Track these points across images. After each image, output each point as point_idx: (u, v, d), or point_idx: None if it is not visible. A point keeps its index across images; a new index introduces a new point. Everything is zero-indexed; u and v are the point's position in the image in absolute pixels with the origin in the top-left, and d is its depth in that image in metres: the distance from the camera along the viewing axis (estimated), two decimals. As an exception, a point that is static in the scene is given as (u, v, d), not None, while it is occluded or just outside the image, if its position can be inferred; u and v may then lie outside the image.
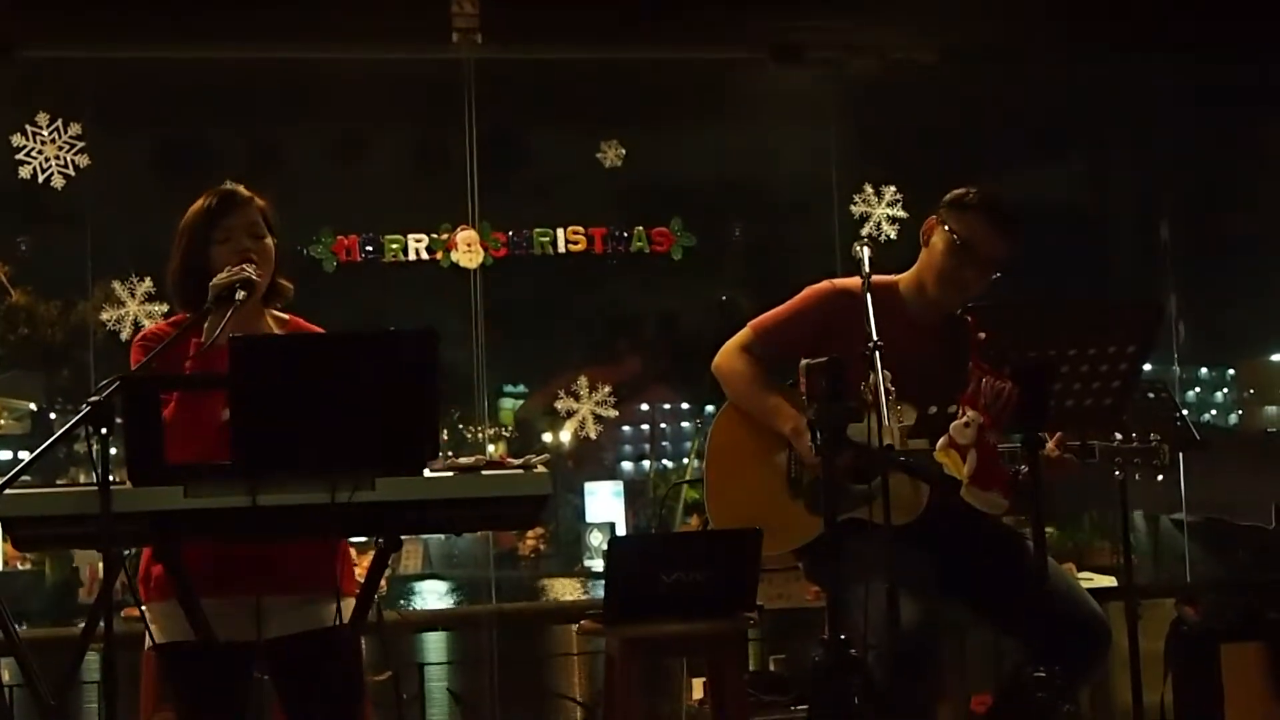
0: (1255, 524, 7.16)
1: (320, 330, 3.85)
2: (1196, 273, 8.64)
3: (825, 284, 4.50)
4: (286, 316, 3.84)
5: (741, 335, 4.55)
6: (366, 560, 3.81)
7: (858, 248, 4.20)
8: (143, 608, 3.58)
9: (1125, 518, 4.78)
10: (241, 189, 3.77)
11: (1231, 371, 12.81)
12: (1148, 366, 3.99)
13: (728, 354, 4.54)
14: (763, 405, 4.43)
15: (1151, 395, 4.70)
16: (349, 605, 3.55)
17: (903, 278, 4.44)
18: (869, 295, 3.96)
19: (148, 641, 3.59)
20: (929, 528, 4.13)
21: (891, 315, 3.86)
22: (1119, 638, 4.57)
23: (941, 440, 3.71)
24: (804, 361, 3.67)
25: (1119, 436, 4.15)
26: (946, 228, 4.34)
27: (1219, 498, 7.39)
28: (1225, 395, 13.21)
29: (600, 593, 4.66)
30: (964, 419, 3.62)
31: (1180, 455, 6.60)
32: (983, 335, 3.63)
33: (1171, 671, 5.85)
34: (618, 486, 14.52)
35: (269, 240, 3.73)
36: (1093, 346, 3.71)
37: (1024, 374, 3.58)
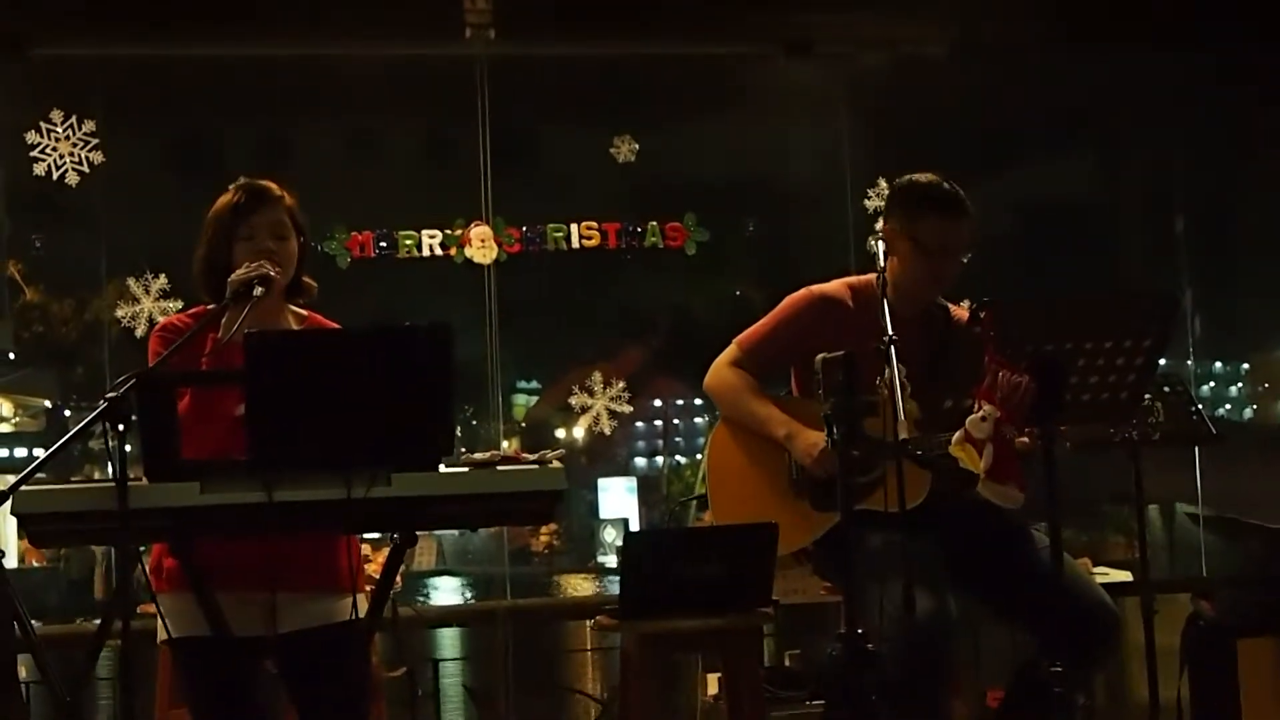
0: (1265, 524, 7.15)
1: (336, 326, 3.84)
2: (1211, 267, 8.62)
3: (805, 291, 4.50)
4: (305, 313, 3.84)
5: (728, 353, 4.56)
6: (381, 556, 3.81)
7: (872, 243, 4.21)
8: (155, 600, 3.57)
9: (1140, 508, 4.77)
10: (272, 186, 3.75)
11: (1246, 366, 12.78)
12: (1162, 360, 3.97)
13: (716, 372, 4.56)
14: (755, 415, 4.45)
15: (1167, 389, 4.69)
16: (360, 602, 3.55)
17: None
18: (882, 290, 3.97)
19: (160, 635, 3.60)
20: (940, 521, 4.13)
21: (877, 312, 3.87)
22: (1135, 633, 4.56)
23: (957, 435, 3.71)
24: (820, 356, 3.67)
25: None
26: (904, 235, 4.34)
27: (1234, 493, 7.38)
28: (1239, 390, 13.18)
29: (614, 588, 4.66)
30: (980, 413, 3.61)
31: (1196, 450, 6.61)
32: (993, 332, 3.62)
33: (1187, 667, 5.83)
34: (631, 482, 14.51)
35: (293, 241, 3.72)
36: (1108, 340, 3.70)
37: (1039, 368, 3.57)
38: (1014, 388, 3.56)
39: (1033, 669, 4.03)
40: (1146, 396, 4.20)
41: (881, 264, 4.12)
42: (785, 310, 4.51)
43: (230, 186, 3.77)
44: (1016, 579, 4.20)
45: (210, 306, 3.65)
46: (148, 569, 3.62)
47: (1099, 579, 4.82)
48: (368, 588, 3.81)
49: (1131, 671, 5.35)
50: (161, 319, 3.80)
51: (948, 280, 4.36)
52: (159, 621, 3.57)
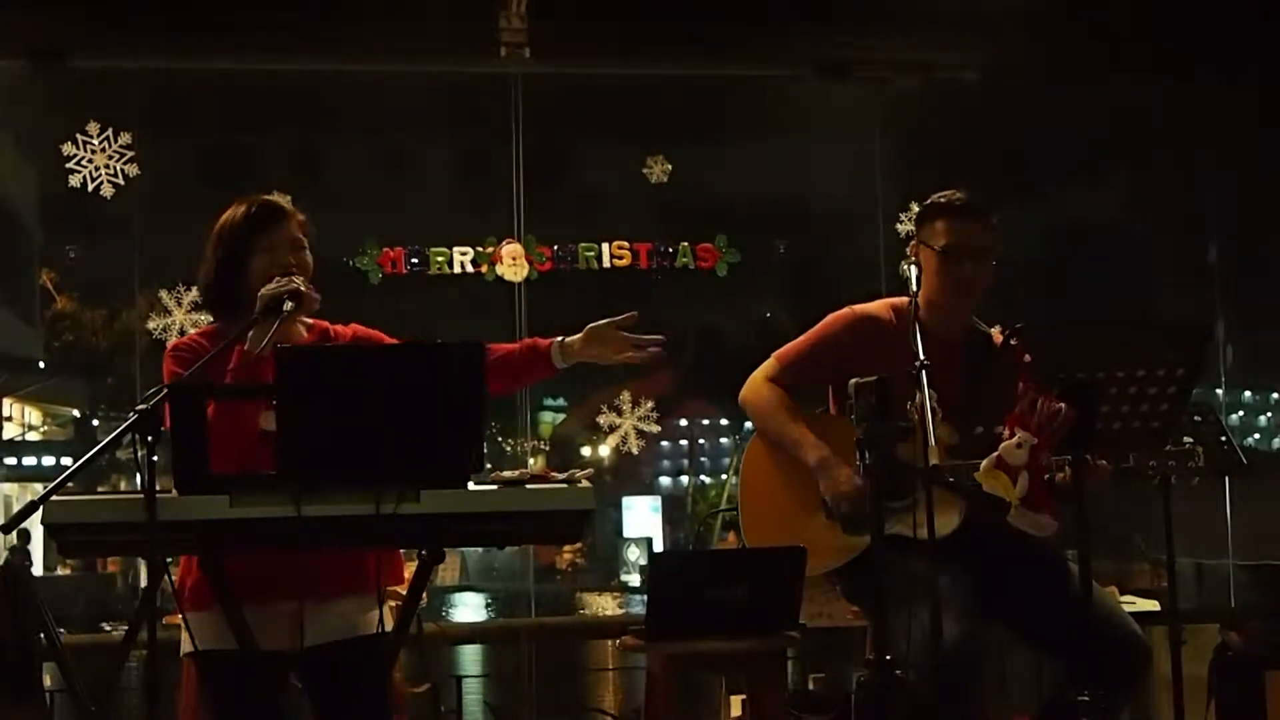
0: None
1: (340, 328, 3.85)
2: (1244, 296, 8.59)
3: (847, 310, 4.50)
4: (311, 322, 3.84)
5: (766, 366, 4.55)
6: (408, 571, 3.81)
7: (905, 266, 4.21)
8: (184, 616, 3.58)
9: (1169, 535, 4.75)
10: (284, 202, 3.79)
11: (1276, 395, 12.74)
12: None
13: (753, 386, 4.54)
14: (788, 436, 4.43)
15: (1198, 418, 4.67)
16: (386, 616, 3.54)
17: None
18: (914, 314, 3.96)
19: (183, 648, 3.60)
20: (970, 547, 4.11)
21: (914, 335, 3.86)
22: (1162, 662, 4.53)
23: (987, 461, 3.69)
24: (853, 381, 3.66)
25: None
26: (927, 243, 4.36)
27: (1265, 526, 7.35)
28: (1269, 419, 13.14)
29: (636, 607, 4.64)
30: (1015, 440, 3.59)
31: (1226, 480, 6.57)
32: (1029, 356, 3.61)
33: (1215, 698, 5.80)
34: (655, 501, 14.54)
35: (308, 254, 3.74)
36: (1141, 369, 3.68)
37: (1073, 395, 3.55)
38: (1052, 415, 3.55)
39: (1061, 700, 4.01)
40: (1188, 441, 4.19)
41: (914, 288, 4.12)
42: (825, 328, 4.50)
43: (237, 202, 3.79)
44: (1047, 607, 4.17)
45: (214, 324, 3.68)
46: (174, 588, 3.63)
47: (1126, 608, 4.78)
48: (392, 603, 3.81)
49: (1159, 701, 5.31)
50: (172, 340, 3.80)
51: (976, 289, 4.35)
52: (183, 634, 3.57)
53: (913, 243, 4.50)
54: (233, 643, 3.43)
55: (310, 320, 3.84)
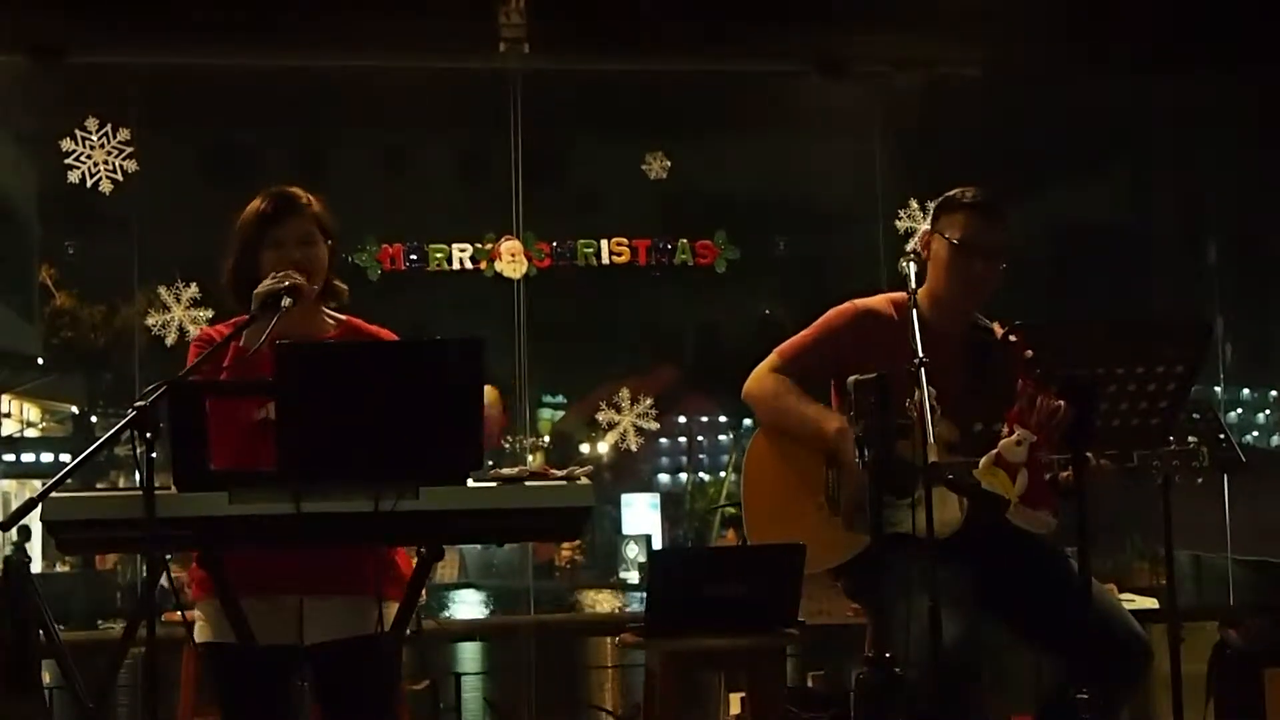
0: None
1: (375, 328, 3.84)
2: (1243, 294, 8.59)
3: (849, 305, 4.49)
4: (343, 317, 3.83)
5: (768, 361, 4.54)
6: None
7: (904, 263, 4.20)
8: (183, 611, 3.58)
9: (1168, 533, 4.74)
10: (300, 194, 3.76)
11: (1274, 393, 12.74)
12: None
13: (757, 378, 4.53)
14: (801, 415, 4.41)
15: (1197, 416, 4.67)
16: (392, 610, 3.54)
17: (919, 294, 4.41)
18: (913, 311, 3.95)
19: (196, 637, 3.61)
20: (971, 545, 4.11)
21: (918, 331, 3.86)
22: (1161, 660, 4.54)
23: (986, 459, 3.69)
24: (851, 378, 3.65)
25: None
26: (942, 235, 4.36)
27: (1263, 523, 7.34)
28: (1267, 417, 13.14)
29: (635, 604, 4.64)
30: (1015, 437, 3.59)
31: (1225, 478, 6.57)
32: (1029, 353, 3.60)
33: (1214, 695, 5.81)
34: (654, 498, 14.52)
35: (321, 247, 3.72)
36: (1141, 366, 3.69)
37: (1073, 392, 3.55)
38: (1052, 412, 3.55)
39: (1061, 699, 4.00)
40: (1191, 440, 4.19)
41: (913, 285, 4.11)
42: (827, 322, 4.50)
43: (260, 193, 3.78)
44: (1047, 605, 4.17)
45: (245, 316, 3.67)
46: (172, 584, 3.63)
47: (1125, 605, 4.78)
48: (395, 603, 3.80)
49: (1158, 698, 5.32)
50: (197, 329, 3.82)
51: (984, 288, 4.34)
52: (188, 627, 3.58)
53: (923, 232, 4.49)
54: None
55: (343, 315, 3.83)
